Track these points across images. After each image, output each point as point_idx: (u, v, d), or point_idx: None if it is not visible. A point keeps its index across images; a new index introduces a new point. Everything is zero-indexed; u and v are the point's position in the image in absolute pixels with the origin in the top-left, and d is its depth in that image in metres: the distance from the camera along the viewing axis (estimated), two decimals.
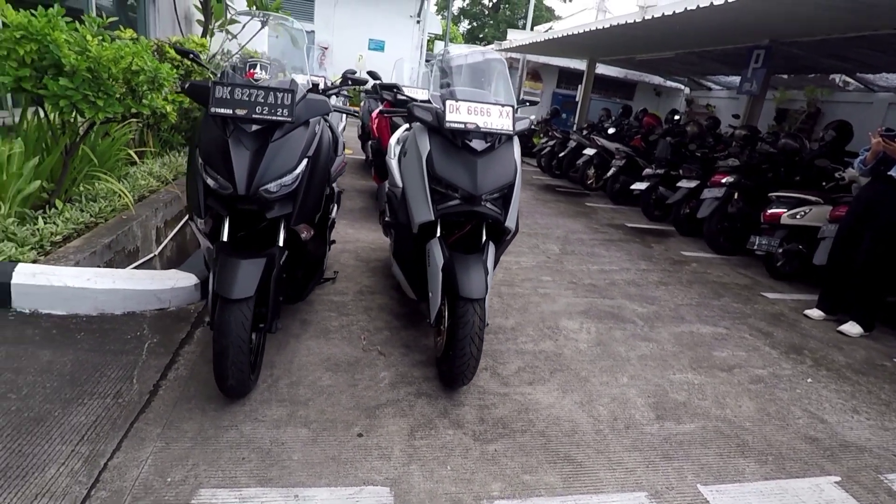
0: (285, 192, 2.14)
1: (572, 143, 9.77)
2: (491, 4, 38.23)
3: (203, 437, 1.98)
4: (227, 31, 6.67)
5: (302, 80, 3.32)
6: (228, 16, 6.60)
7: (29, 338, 2.33)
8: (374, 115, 6.53)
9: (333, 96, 5.68)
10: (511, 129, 2.40)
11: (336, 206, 3.38)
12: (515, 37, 13.54)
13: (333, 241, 3.70)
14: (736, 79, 11.82)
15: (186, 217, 4.64)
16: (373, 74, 6.02)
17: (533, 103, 3.20)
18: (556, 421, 2.39)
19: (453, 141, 2.40)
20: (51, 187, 3.40)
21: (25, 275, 2.50)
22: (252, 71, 2.20)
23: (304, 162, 2.19)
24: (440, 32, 24.45)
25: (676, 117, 9.18)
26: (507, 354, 2.97)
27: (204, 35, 6.47)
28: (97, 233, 3.23)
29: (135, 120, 4.41)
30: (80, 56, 2.81)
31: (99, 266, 3.03)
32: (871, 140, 3.76)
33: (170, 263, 4.03)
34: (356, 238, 4.72)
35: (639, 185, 7.27)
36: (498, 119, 2.37)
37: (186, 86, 2.19)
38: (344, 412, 2.25)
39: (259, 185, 2.05)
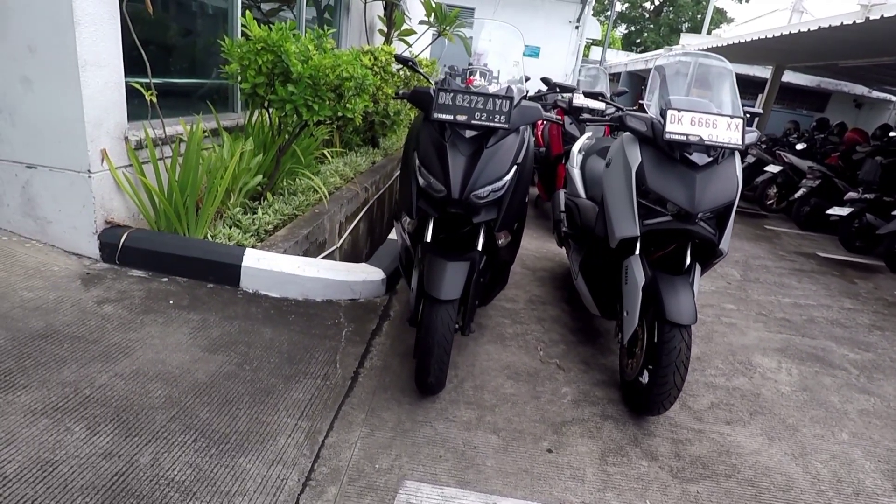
0: (493, 197, 2.16)
1: (751, 159, 8.83)
2: (652, 8, 36.27)
3: (402, 430, 2.06)
4: (404, 41, 7.08)
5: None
6: (407, 25, 7.00)
7: (254, 315, 2.63)
8: (539, 122, 6.49)
9: None
10: (740, 142, 2.18)
11: None
12: (691, 41, 12.61)
13: None
14: None
15: (392, 216, 4.93)
16: (546, 81, 5.97)
17: (755, 115, 2.86)
18: (764, 470, 2.12)
19: (670, 154, 2.24)
20: (264, 182, 3.85)
21: (252, 259, 2.83)
22: (472, 78, 2.26)
23: (514, 169, 2.19)
24: (597, 37, 23.75)
25: (892, 133, 7.84)
26: (695, 386, 2.72)
27: (386, 43, 6.94)
28: (297, 224, 3.56)
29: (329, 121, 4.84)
30: (304, 65, 3.13)
31: (298, 254, 3.35)
32: None
33: (345, 256, 4.34)
34: (521, 245, 4.68)
35: (838, 211, 6.32)
36: (725, 132, 2.17)
37: (405, 92, 2.31)
38: (530, 424, 2.21)
39: (472, 190, 2.09)
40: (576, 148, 3.69)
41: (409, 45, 7.14)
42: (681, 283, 2.19)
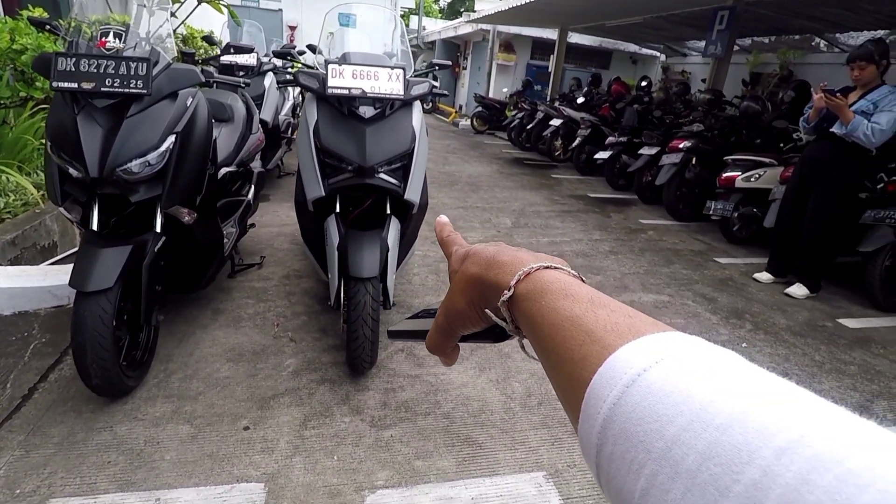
0: (150, 171, 1.96)
1: (540, 115, 9.57)
2: None
3: (70, 442, 1.84)
4: (166, 9, 6.36)
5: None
6: None
7: None
8: None
9: (270, 73, 5.43)
10: (401, 93, 2.22)
11: (253, 186, 3.20)
12: (484, 6, 13.18)
13: (252, 225, 3.54)
14: None
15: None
16: (311, 48, 5.79)
17: (444, 66, 3.01)
18: (465, 401, 2.27)
19: (340, 109, 2.22)
20: None
21: None
22: (104, 40, 2.00)
23: (172, 138, 2.01)
24: (412, 6, 23.86)
25: (644, 84, 8.98)
26: None
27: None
28: (1, 229, 3.04)
29: (47, 106, 4.18)
30: None
31: (2, 265, 2.85)
32: (813, 97, 3.61)
33: None
34: (296, 221, 4.52)
35: (602, 154, 7.12)
36: (387, 83, 2.20)
37: (33, 60, 1.99)
38: (235, 405, 2.12)
39: (114, 165, 1.88)
40: None
41: (173, 14, 6.45)
42: (368, 238, 2.21)
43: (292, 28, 21.27)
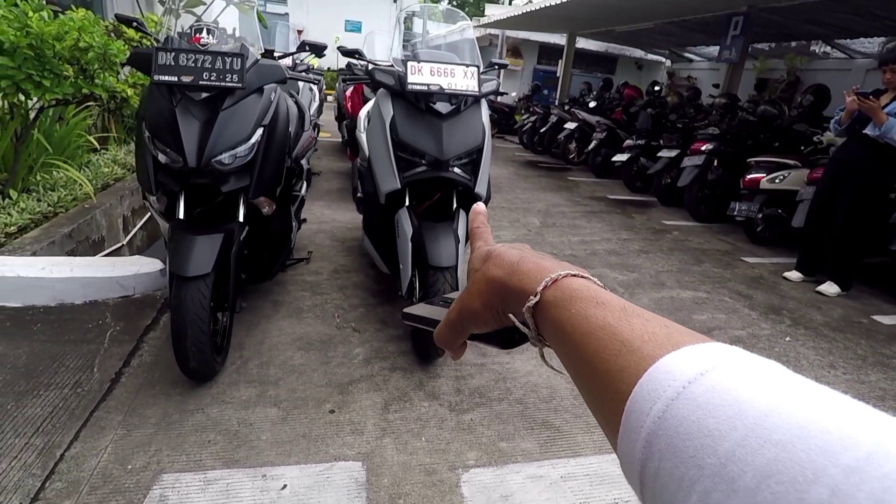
0: (240, 163, 2.04)
1: (553, 119, 9.66)
2: None
3: (167, 423, 1.91)
4: (191, 12, 6.45)
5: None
6: None
7: None
8: (347, 93, 6.41)
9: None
10: (477, 90, 2.31)
11: (305, 183, 3.27)
12: (493, 12, 13.34)
13: (304, 220, 3.61)
14: (716, 49, 11.78)
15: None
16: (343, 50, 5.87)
17: (502, 66, 3.11)
18: (533, 388, 2.34)
19: (417, 105, 2.31)
20: (3, 177, 3.26)
21: None
22: (198, 36, 2.08)
23: (260, 131, 2.09)
24: (417, 10, 24.07)
25: (657, 88, 9.10)
26: None
27: (163, 15, 6.25)
28: (56, 222, 3.10)
29: (94, 104, 4.24)
30: (19, 33, 2.66)
31: (59, 255, 2.92)
32: (845, 100, 3.72)
33: (140, 252, 3.91)
34: (332, 218, 4.61)
35: (620, 157, 7.22)
36: (463, 80, 2.28)
37: (129, 54, 2.06)
38: (315, 390, 2.18)
39: (211, 156, 1.95)
40: (363, 113, 3.68)
41: (198, 17, 6.53)
42: (442, 229, 2.29)
43: (299, 32, 21.40)
